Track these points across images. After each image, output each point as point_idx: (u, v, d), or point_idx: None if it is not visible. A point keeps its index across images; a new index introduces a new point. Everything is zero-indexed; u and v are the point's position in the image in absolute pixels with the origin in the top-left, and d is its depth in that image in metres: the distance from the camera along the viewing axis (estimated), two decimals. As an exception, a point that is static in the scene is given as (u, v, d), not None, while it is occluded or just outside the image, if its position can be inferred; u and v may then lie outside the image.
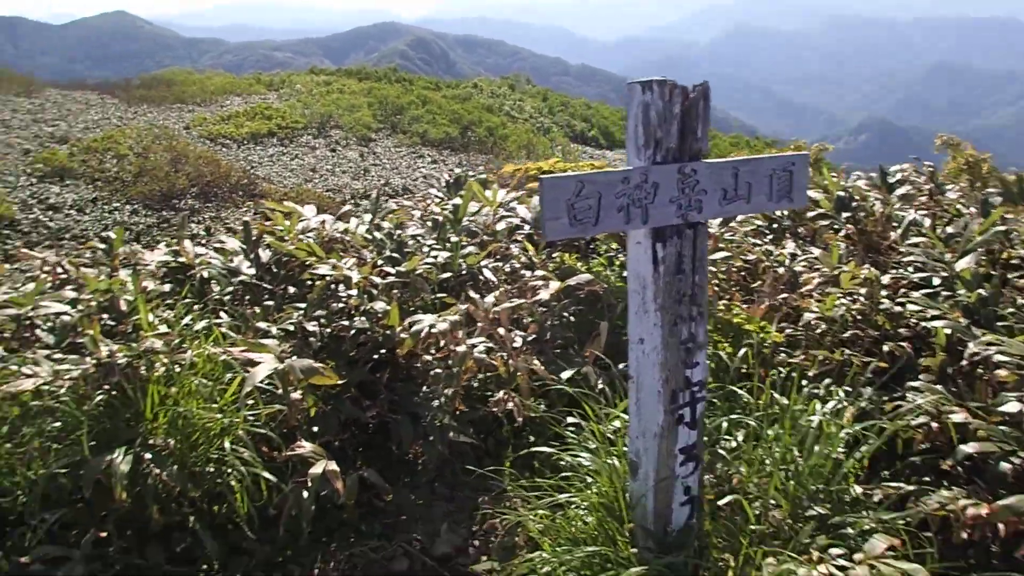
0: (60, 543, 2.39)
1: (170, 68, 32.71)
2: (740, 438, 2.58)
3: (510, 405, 2.78)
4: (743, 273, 3.80)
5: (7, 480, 2.54)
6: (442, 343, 2.51)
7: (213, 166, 18.81)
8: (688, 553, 2.14)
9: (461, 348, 2.53)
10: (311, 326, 2.79)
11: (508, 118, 26.25)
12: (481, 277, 3.12)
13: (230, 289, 3.10)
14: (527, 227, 3.93)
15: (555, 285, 3.21)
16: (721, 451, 2.54)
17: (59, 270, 3.18)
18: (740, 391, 2.73)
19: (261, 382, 2.46)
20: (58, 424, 2.47)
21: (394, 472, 3.06)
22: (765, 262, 3.68)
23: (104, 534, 2.42)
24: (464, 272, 3.15)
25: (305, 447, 2.46)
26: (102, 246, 3.43)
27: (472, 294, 2.92)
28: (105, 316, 2.89)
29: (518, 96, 30.21)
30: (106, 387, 2.46)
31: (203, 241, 4.18)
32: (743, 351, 3.04)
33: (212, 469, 2.53)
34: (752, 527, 2.21)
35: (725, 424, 2.62)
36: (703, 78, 2.17)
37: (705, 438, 2.42)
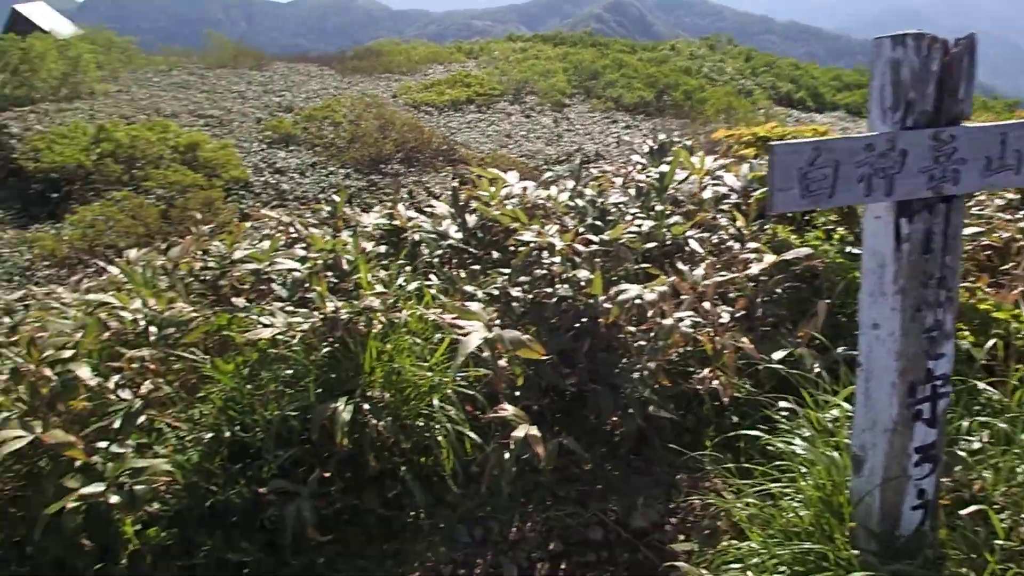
0: (291, 479, 2.63)
1: (379, 40, 34.76)
2: (985, 440, 2.29)
3: (715, 383, 2.66)
4: (989, 252, 3.35)
5: (248, 418, 2.83)
6: (649, 314, 2.45)
7: (417, 132, 19.83)
8: (919, 562, 1.93)
9: (667, 321, 2.45)
10: (515, 291, 2.84)
11: (707, 80, 25.16)
12: (687, 248, 3.00)
13: (439, 252, 3.24)
14: (734, 196, 3.73)
15: (769, 259, 3.01)
16: (960, 453, 2.26)
17: (291, 230, 3.49)
18: (987, 388, 2.41)
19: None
20: (290, 371, 2.71)
21: (590, 441, 3.05)
22: (1021, 241, 3.21)
23: (327, 474, 2.63)
24: (669, 243, 3.04)
25: (508, 410, 2.52)
26: (328, 208, 3.71)
27: (679, 266, 2.82)
28: (329, 274, 3.12)
29: (718, 57, 28.83)
30: (330, 340, 2.66)
31: (411, 204, 4.40)
32: (991, 342, 2.68)
33: (421, 424, 2.66)
34: (999, 542, 1.95)
35: (967, 424, 2.32)
36: (926, 30, 1.87)
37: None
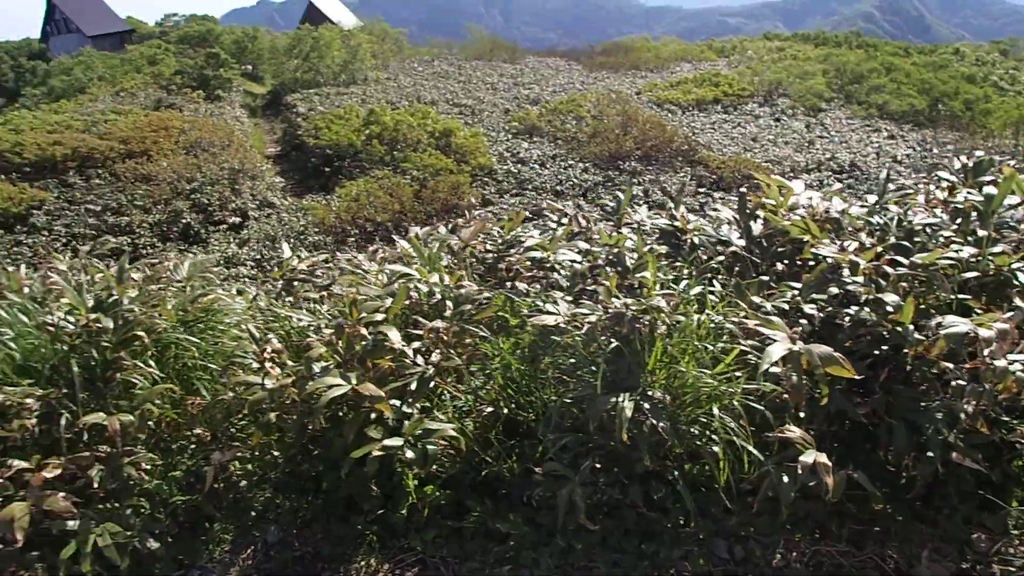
0: (561, 463, 2.72)
1: (628, 36, 34.81)
2: None
3: (1041, 440, 2.33)
4: None
5: (524, 398, 2.96)
6: (985, 352, 2.18)
7: (658, 130, 19.61)
8: None
9: (1001, 362, 2.17)
10: (808, 308, 2.69)
11: (995, 90, 22.21)
12: (1016, 282, 2.64)
13: (720, 258, 3.16)
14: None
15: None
16: None
17: (578, 222, 3.60)
18: None
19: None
20: (572, 360, 2.79)
21: (872, 478, 2.82)
22: None
23: (598, 465, 2.68)
24: (991, 274, 2.70)
25: (794, 432, 2.39)
26: (611, 203, 3.78)
27: (1019, 301, 2.48)
28: (609, 269, 3.17)
29: (1012, 64, 25.33)
30: (614, 335, 2.69)
31: (647, 204, 4.31)
32: None
33: (696, 431, 2.61)
34: None
35: None
36: None
37: None
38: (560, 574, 2.70)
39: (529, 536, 2.77)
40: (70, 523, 2.67)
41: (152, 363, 3.11)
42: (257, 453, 3.13)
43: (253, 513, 3.13)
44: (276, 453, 3.15)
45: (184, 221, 17.29)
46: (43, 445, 2.86)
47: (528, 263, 3.64)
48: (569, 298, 3.06)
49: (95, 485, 2.77)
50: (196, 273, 3.58)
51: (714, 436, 2.55)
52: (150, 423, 2.90)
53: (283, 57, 29.51)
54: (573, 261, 3.24)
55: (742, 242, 3.23)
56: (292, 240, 15.44)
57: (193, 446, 3.24)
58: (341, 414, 3.02)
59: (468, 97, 24.43)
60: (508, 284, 3.55)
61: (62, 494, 2.66)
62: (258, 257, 14.85)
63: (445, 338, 2.95)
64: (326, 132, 21.07)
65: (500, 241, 3.85)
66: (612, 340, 2.68)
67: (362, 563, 2.88)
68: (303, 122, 23.69)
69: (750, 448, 2.46)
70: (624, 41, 30.70)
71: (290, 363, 3.01)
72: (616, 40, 31.68)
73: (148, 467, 2.89)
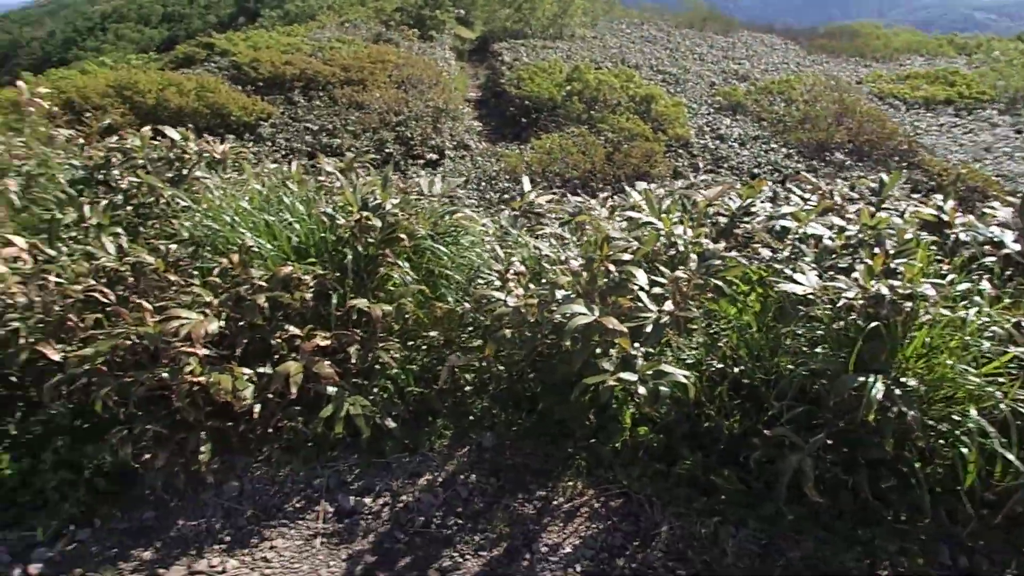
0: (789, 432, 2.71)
1: (857, 20, 32.31)
2: None
3: None
4: None
5: (755, 362, 2.97)
6: None
7: (876, 125, 18.21)
8: None
9: None
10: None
11: None
12: None
13: (989, 260, 2.96)
14: None
15: None
16: None
17: (832, 197, 3.50)
18: None
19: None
20: (819, 332, 2.76)
21: None
22: None
23: (829, 442, 2.65)
24: None
25: (1063, 450, 2.25)
26: (872, 185, 3.63)
27: None
28: (861, 252, 3.07)
29: None
30: (869, 317, 2.62)
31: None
32: None
33: (945, 427, 2.51)
34: None
35: None
36: None
37: None
38: (765, 537, 2.72)
39: (740, 495, 2.81)
40: (330, 389, 3.02)
41: (406, 265, 3.40)
42: (485, 364, 3.36)
43: (472, 417, 3.38)
44: (501, 367, 3.37)
45: (387, 151, 18.33)
46: (313, 318, 3.24)
47: (765, 232, 3.59)
48: (817, 271, 3.00)
49: (352, 361, 3.10)
50: (447, 192, 3.85)
51: (964, 437, 2.44)
52: (405, 316, 3.20)
53: (496, 5, 30.09)
54: (821, 236, 3.17)
55: (1017, 246, 3.01)
56: (484, 183, 15.98)
57: (426, 346, 3.53)
58: (568, 343, 3.17)
59: (674, 65, 23.84)
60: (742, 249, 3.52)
61: (328, 362, 3.01)
62: (451, 195, 15.52)
63: (684, 289, 3.00)
64: (528, 83, 21.36)
65: (736, 207, 3.81)
66: (863, 320, 2.61)
67: (568, 484, 3.05)
68: (507, 71, 24.15)
69: (1010, 457, 2.33)
70: (850, 25, 28.53)
71: (532, 286, 3.19)
72: (841, 23, 29.51)
73: (396, 356, 3.20)
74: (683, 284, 3.01)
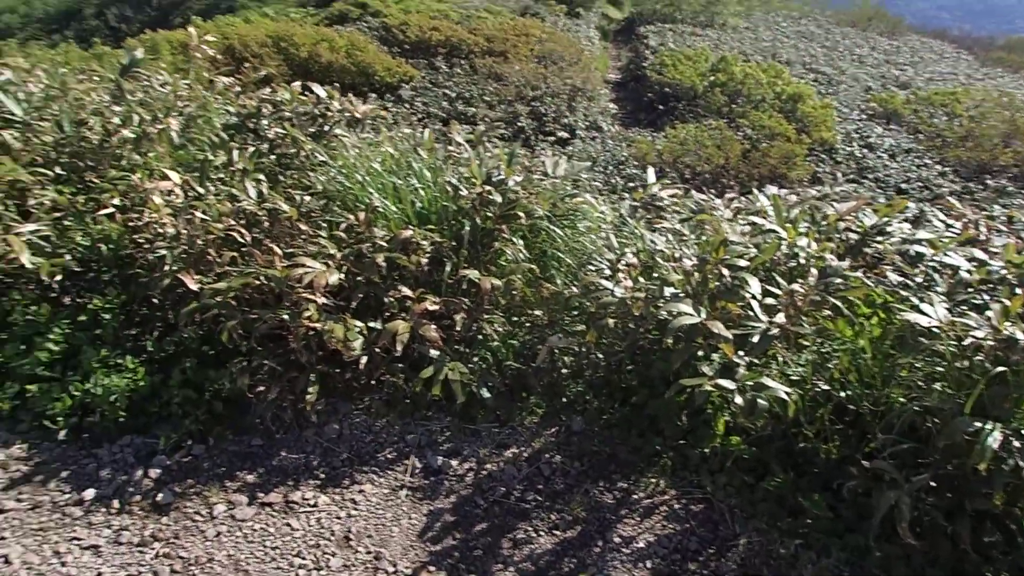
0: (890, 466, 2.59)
1: (1044, 33, 29.37)
2: None
3: None
4: None
5: (863, 389, 2.84)
6: None
7: (1052, 151, 16.63)
8: None
9: None
10: None
11: None
12: None
13: None
14: None
15: None
16: None
17: (978, 228, 3.27)
18: None
19: None
20: (939, 368, 2.61)
21: None
22: None
23: (933, 484, 2.52)
24: None
25: None
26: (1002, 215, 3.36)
27: None
28: (1000, 291, 2.86)
29: None
30: (998, 361, 2.45)
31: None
32: None
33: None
34: None
35: None
36: None
37: None
38: (848, 569, 2.63)
39: (827, 522, 2.72)
40: (432, 352, 3.14)
41: (520, 242, 3.47)
42: (584, 349, 3.39)
43: (564, 400, 3.43)
44: (600, 355, 3.39)
45: (519, 124, 18.47)
46: (426, 282, 3.37)
47: (897, 255, 3.40)
48: (946, 304, 2.82)
49: (457, 328, 3.21)
50: (570, 174, 3.87)
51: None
52: (513, 292, 3.27)
53: (648, -13, 29.45)
54: (957, 268, 2.97)
55: None
56: (611, 167, 15.83)
57: (529, 324, 3.60)
58: (670, 341, 3.14)
59: (829, 65, 22.62)
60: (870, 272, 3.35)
61: (434, 326, 3.13)
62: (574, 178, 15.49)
63: (799, 303, 2.90)
64: (670, 70, 20.89)
65: (870, 224, 3.62)
66: (990, 363, 2.44)
67: (652, 480, 3.05)
68: (650, 55, 23.71)
69: None
70: (1036, 39, 25.99)
71: (641, 280, 3.17)
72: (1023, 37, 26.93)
73: (499, 329, 3.28)
74: (798, 298, 2.91)
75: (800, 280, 3.04)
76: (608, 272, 3.28)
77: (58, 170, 3.97)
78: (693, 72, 20.18)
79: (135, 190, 3.69)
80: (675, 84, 20.06)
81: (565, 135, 18.78)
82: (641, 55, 23.90)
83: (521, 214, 3.41)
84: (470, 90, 19.34)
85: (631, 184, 15.90)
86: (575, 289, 3.46)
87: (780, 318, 2.92)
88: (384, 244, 3.26)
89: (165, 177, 3.75)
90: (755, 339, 2.84)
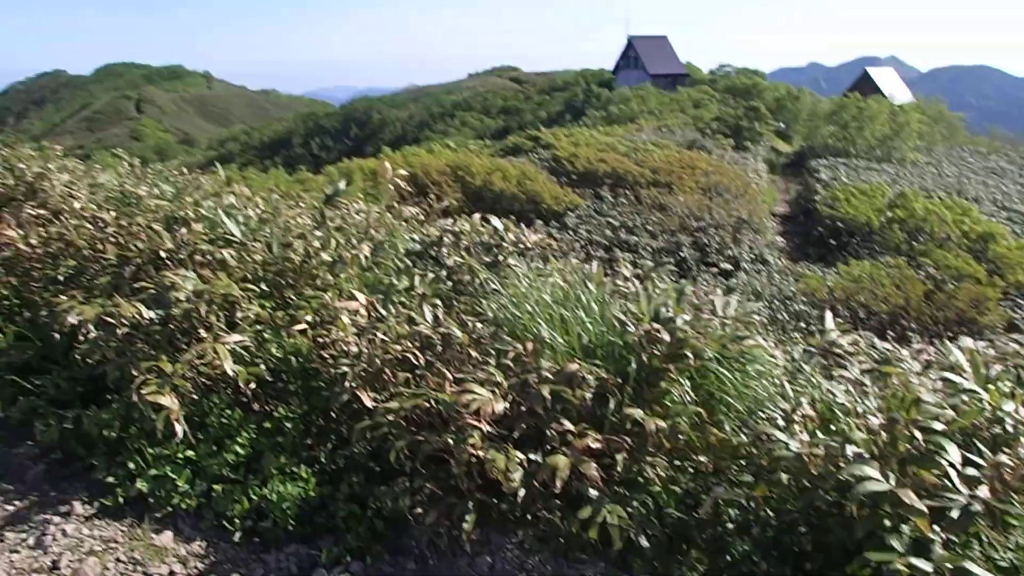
0: None
1: None
2: None
3: None
4: None
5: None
6: None
7: None
8: None
9: None
10: None
11: None
12: None
13: None
14: None
15: None
16: None
17: None
18: None
19: None
20: None
21: None
22: None
23: None
24: None
25: None
26: None
27: None
28: None
29: None
30: None
31: None
32: None
33: None
34: None
35: None
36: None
37: None
38: None
39: None
40: (591, 491, 3.07)
41: (687, 383, 3.38)
42: (752, 504, 3.18)
43: (729, 558, 3.19)
44: (771, 512, 3.15)
45: (681, 255, 18.47)
46: (587, 417, 3.34)
47: None
48: None
49: (618, 468, 3.13)
50: (741, 315, 3.78)
51: None
52: (679, 435, 3.17)
53: (820, 121, 29.32)
54: None
55: None
56: (777, 302, 15.28)
57: (693, 470, 3.44)
58: (853, 507, 2.88)
59: (1024, 203, 21.00)
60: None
61: (594, 464, 3.07)
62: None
63: (1007, 477, 2.58)
64: (844, 205, 20.28)
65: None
66: None
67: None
68: (821, 189, 23.21)
69: None
70: None
71: (820, 434, 2.97)
72: None
73: (662, 473, 3.16)
74: (1006, 471, 2.60)
75: (1007, 450, 2.72)
76: (782, 423, 3.11)
77: (263, 286, 4.42)
78: (868, 207, 19.45)
79: (326, 308, 4.01)
80: (848, 219, 19.40)
81: (729, 267, 18.51)
82: (812, 188, 23.45)
83: (689, 354, 3.34)
84: (633, 219, 19.72)
85: (800, 322, 15.23)
86: (744, 437, 3.29)
87: (984, 492, 2.61)
88: (550, 376, 3.30)
89: (353, 298, 4.06)
90: (955, 514, 2.55)
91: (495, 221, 4.66)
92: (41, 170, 5.25)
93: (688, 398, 3.30)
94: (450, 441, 3.21)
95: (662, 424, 3.11)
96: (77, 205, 5.02)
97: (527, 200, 20.01)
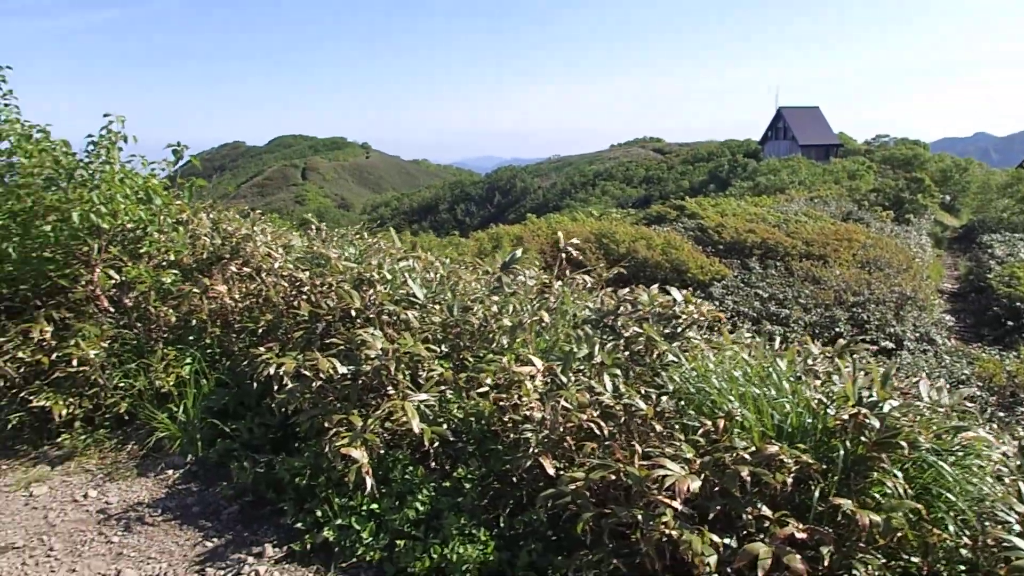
0: None
1: None
2: None
3: None
4: None
5: None
6: None
7: None
8: None
9: None
10: None
11: None
12: None
13: None
14: None
15: None
16: None
17: None
18: None
19: None
20: None
21: None
22: None
23: None
24: None
25: None
26: None
27: None
28: None
29: None
30: None
31: None
32: None
33: None
34: None
35: None
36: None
37: None
38: None
39: None
40: (798, 585, 2.86)
41: (900, 475, 3.12)
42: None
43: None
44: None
45: (836, 330, 17.46)
46: (786, 503, 3.15)
47: None
48: None
49: (824, 564, 2.91)
50: (956, 404, 3.47)
51: None
52: (897, 531, 2.91)
53: (992, 194, 27.25)
54: None
55: None
56: (951, 385, 14.05)
57: (900, 569, 3.14)
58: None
59: None
60: None
61: (799, 556, 2.86)
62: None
63: None
64: (1022, 282, 18.59)
65: None
66: None
67: None
68: (996, 265, 21.44)
69: None
70: None
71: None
72: None
73: (874, 572, 2.90)
74: None
75: None
76: (1018, 527, 2.78)
77: (443, 347, 4.56)
78: (1055, 287, 17.73)
79: (505, 372, 4.07)
80: (1031, 299, 17.73)
81: (890, 345, 17.32)
82: (984, 265, 21.71)
83: (903, 444, 3.09)
84: (784, 292, 18.94)
85: (980, 407, 13.95)
86: (966, 539, 2.97)
87: None
88: (746, 457, 3.14)
89: (530, 363, 4.10)
90: None
91: (675, 293, 4.59)
92: (247, 232, 5.75)
93: (903, 491, 3.04)
94: (639, 517, 3.12)
95: (876, 518, 2.87)
96: (276, 265, 5.43)
97: (671, 269, 19.74)
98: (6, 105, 5.96)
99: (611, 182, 60.83)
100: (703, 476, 3.18)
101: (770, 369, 3.76)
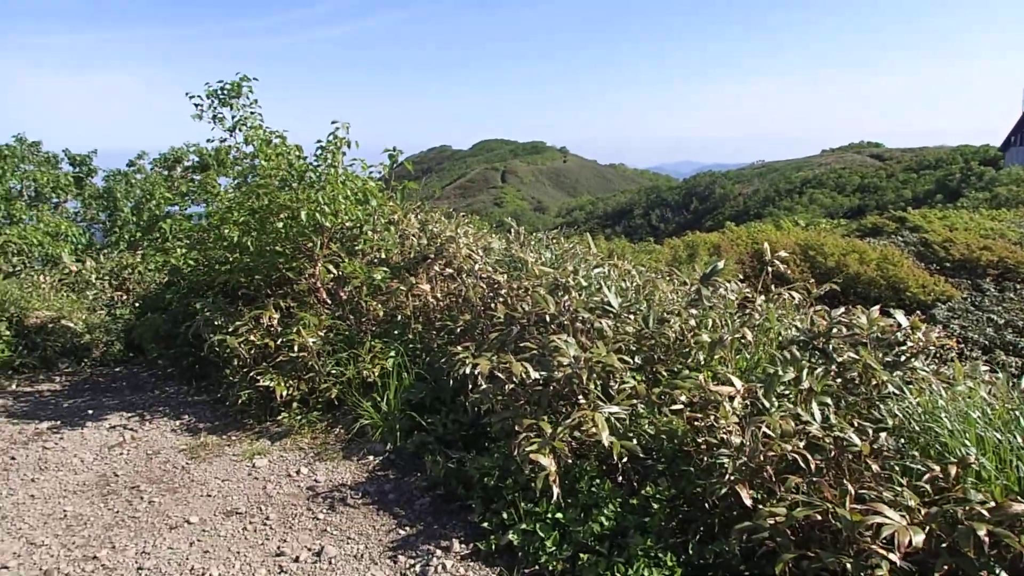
0: None
1: None
2: None
3: None
4: None
5: None
6: None
7: None
8: None
9: None
10: None
11: None
12: None
13: None
14: None
15: None
16: None
17: None
18: None
19: None
20: None
21: None
22: None
23: None
24: None
25: None
26: None
27: None
28: None
29: None
30: None
31: None
32: None
33: None
34: None
35: None
36: None
37: None
38: None
39: None
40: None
41: None
42: None
43: None
44: None
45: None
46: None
47: None
48: None
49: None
50: None
51: None
52: None
53: None
54: None
55: None
56: None
57: None
58: None
59: None
60: None
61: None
62: None
63: None
64: None
65: None
66: None
67: None
68: None
69: None
70: None
71: None
72: None
73: None
74: None
75: None
76: None
77: (637, 360, 4.44)
78: None
79: (702, 391, 3.87)
80: None
81: None
82: None
83: None
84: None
85: None
86: None
87: None
88: (984, 513, 2.73)
89: (728, 383, 3.86)
90: None
91: (899, 316, 4.12)
92: (452, 234, 5.98)
93: None
94: (848, 566, 2.83)
95: None
96: (476, 266, 5.60)
97: (887, 287, 18.02)
98: (252, 113, 6.68)
99: (820, 190, 56.71)
100: (927, 529, 2.81)
101: (1017, 412, 3.25)
